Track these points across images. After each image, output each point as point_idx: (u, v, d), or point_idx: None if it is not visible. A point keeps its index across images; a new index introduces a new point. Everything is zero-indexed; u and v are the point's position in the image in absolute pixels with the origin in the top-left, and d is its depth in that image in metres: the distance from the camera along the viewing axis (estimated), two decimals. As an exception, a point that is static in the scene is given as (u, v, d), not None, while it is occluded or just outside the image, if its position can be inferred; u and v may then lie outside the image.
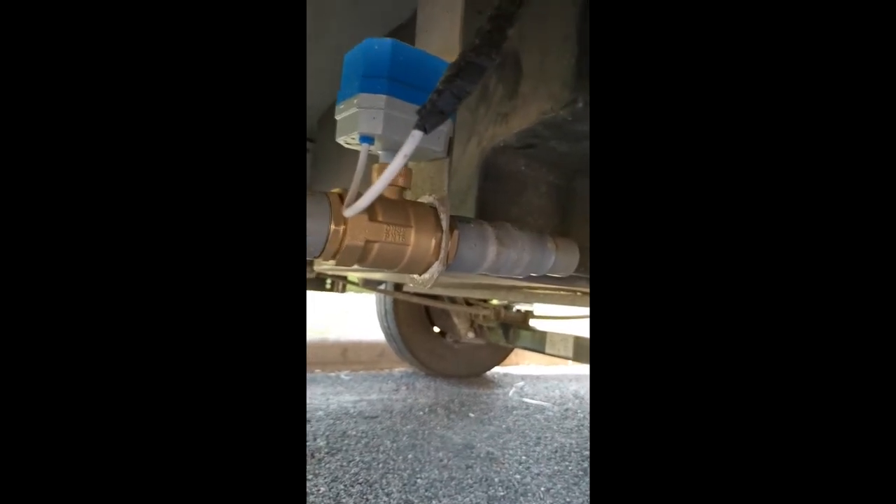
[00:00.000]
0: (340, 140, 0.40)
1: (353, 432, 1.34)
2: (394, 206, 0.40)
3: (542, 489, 1.05)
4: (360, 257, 0.39)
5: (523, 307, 2.01)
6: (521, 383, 2.21)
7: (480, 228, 0.45)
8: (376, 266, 0.40)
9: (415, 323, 2.12)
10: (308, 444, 1.22)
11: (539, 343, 1.74)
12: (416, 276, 0.44)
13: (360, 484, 1.00)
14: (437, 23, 0.45)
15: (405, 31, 0.85)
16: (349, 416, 1.49)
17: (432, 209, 0.42)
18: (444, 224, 0.41)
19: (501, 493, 1.01)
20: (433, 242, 0.41)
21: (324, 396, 1.72)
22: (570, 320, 2.05)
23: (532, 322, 1.95)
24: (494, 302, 2.01)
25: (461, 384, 2.09)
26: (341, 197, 0.37)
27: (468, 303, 2.01)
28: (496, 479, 1.08)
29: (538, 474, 1.13)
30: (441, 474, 1.09)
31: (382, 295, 2.07)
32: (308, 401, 1.64)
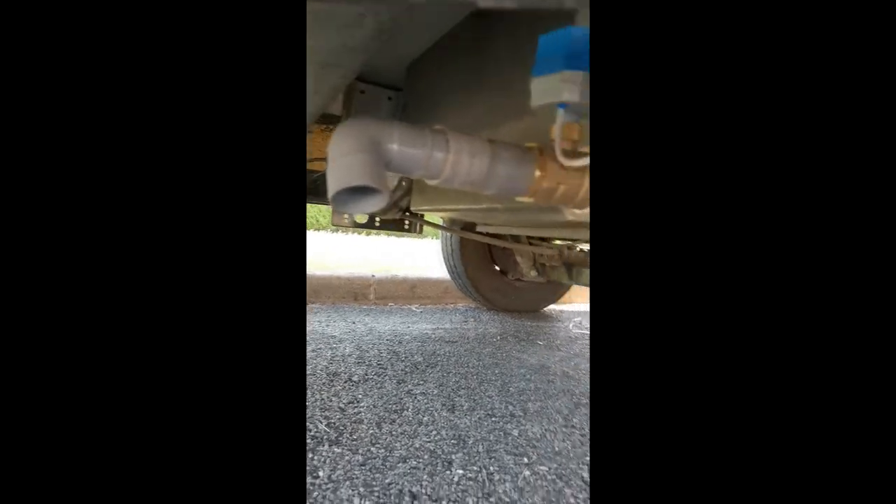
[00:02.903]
0: (535, 104, 0.52)
1: (442, 352, 1.54)
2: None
3: (618, 399, 1.22)
4: (549, 195, 0.52)
5: (585, 247, 2.12)
6: (578, 318, 2.37)
7: (627, 173, 0.57)
8: (558, 202, 0.53)
9: (479, 262, 2.28)
10: (409, 359, 1.43)
11: (602, 280, 1.87)
12: (577, 210, 0.57)
13: (463, 389, 1.20)
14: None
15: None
16: (433, 340, 1.70)
17: (596, 158, 0.54)
18: (608, 170, 0.53)
19: (584, 401, 1.19)
20: (599, 184, 0.53)
21: (405, 324, 1.93)
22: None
23: (593, 261, 2.07)
24: (557, 242, 2.13)
25: (521, 318, 2.27)
26: (540, 150, 0.50)
27: (531, 242, 2.14)
28: (576, 391, 1.26)
29: (611, 389, 1.30)
30: (528, 385, 1.27)
31: (448, 236, 2.23)
32: (394, 327, 1.85)
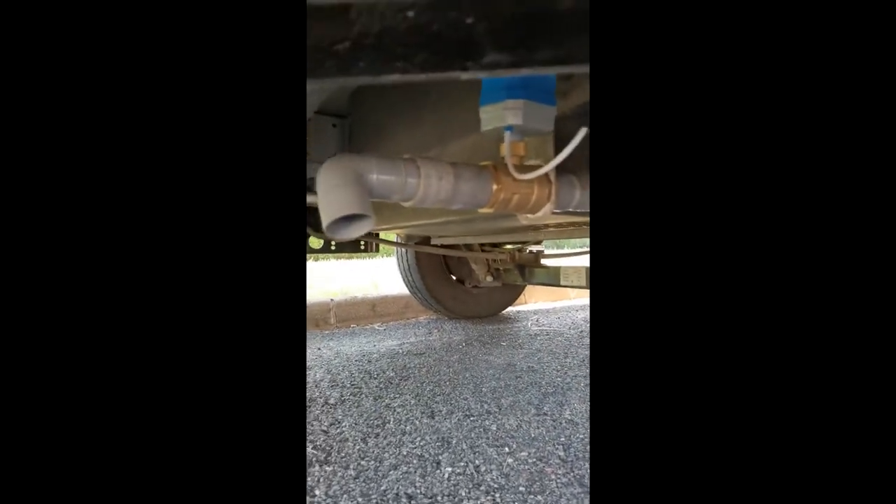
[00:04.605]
0: (485, 128, 0.60)
1: (412, 365, 1.59)
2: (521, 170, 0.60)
3: (582, 385, 1.32)
4: (506, 205, 0.59)
5: (535, 248, 2.25)
6: (536, 317, 2.49)
7: (569, 178, 0.66)
8: (513, 210, 0.61)
9: (436, 274, 2.34)
10: (381, 375, 1.46)
11: (553, 277, 1.99)
12: (529, 215, 0.65)
13: (439, 396, 1.25)
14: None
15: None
16: (401, 355, 1.73)
17: (542, 169, 0.63)
18: (553, 178, 0.62)
19: (551, 391, 1.28)
20: (546, 192, 0.62)
21: (371, 343, 1.95)
22: (574, 257, 2.31)
23: (543, 261, 2.20)
24: (508, 246, 2.24)
25: (483, 323, 2.35)
26: (494, 167, 0.57)
27: (483, 249, 2.24)
28: (543, 382, 1.35)
29: (575, 376, 1.40)
30: (499, 383, 1.35)
31: (404, 253, 2.28)
32: (360, 347, 1.87)
